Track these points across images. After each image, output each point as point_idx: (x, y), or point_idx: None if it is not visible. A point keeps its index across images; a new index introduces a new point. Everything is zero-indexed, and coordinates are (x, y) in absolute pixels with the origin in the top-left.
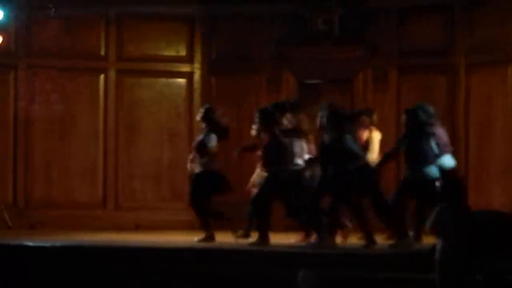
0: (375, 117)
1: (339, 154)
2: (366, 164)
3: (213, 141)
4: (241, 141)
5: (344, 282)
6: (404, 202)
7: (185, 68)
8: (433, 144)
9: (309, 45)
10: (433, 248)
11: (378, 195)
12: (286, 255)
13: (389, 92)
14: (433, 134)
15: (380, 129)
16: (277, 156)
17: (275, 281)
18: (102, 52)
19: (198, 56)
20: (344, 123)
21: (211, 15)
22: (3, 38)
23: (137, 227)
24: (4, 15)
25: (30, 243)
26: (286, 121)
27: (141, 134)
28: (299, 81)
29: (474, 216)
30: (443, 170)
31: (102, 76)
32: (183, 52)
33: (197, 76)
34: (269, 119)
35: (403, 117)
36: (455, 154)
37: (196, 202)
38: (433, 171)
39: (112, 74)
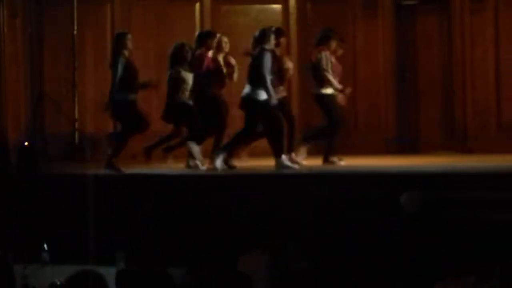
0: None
1: None
2: None
3: None
4: None
5: (449, 203)
6: None
7: None
8: None
9: None
10: None
11: None
12: (388, 177)
13: (486, 14)
14: None
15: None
16: None
17: (378, 204)
18: None
19: None
20: None
21: None
22: None
23: None
24: None
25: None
26: None
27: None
28: (395, 3)
29: None
30: None
31: (197, 5)
32: None
33: (292, 1)
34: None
35: None
36: None
37: None
38: None
39: (207, 1)
